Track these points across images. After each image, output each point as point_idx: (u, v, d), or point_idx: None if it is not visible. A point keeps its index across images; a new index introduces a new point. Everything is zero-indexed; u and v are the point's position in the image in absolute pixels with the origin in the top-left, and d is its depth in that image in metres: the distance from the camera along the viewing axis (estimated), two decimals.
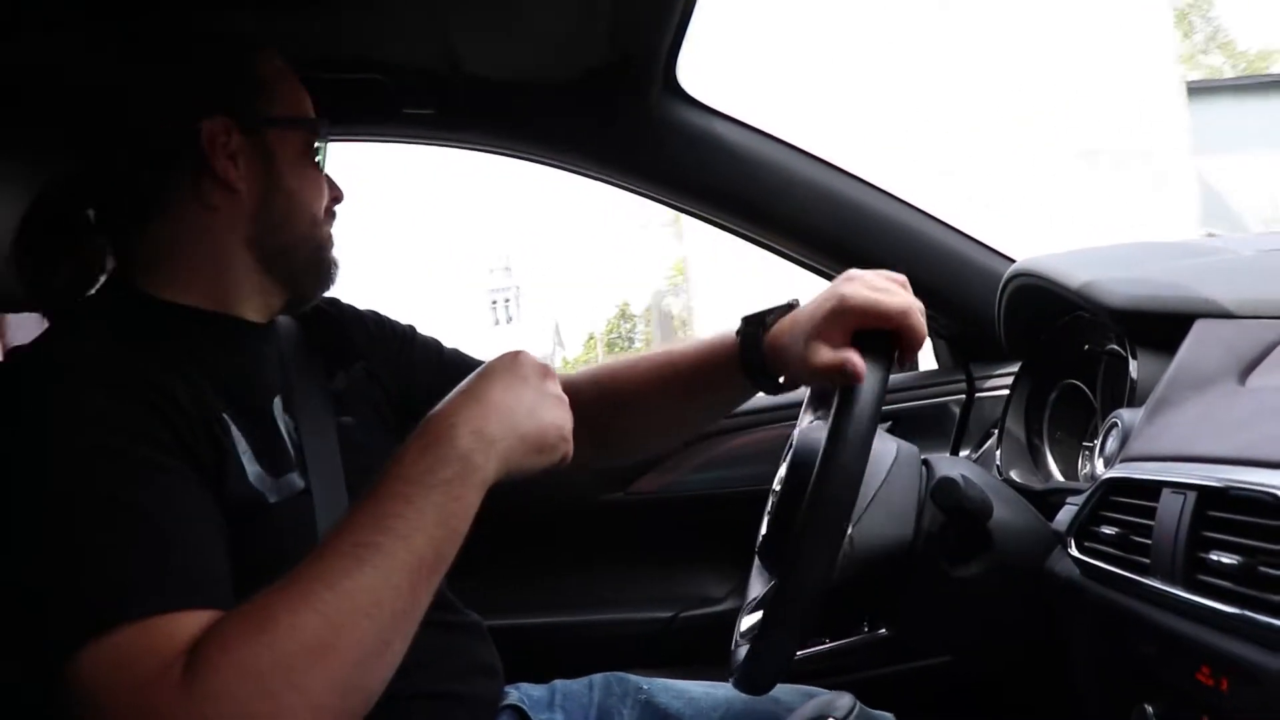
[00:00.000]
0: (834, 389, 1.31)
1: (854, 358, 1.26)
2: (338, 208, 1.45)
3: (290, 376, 1.39)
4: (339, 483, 1.33)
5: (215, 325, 1.32)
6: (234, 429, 1.21)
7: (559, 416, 1.21)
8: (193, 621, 0.99)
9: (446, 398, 1.16)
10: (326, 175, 1.42)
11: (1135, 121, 16.67)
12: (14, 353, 1.20)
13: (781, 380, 1.49)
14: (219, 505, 1.14)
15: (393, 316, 1.66)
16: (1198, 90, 20.12)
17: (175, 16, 1.45)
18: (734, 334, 1.52)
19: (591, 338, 65.27)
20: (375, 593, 1.01)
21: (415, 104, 1.93)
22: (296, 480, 1.27)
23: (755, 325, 1.49)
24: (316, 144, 1.39)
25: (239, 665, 0.95)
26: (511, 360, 1.21)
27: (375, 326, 1.61)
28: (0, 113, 1.64)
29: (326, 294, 1.50)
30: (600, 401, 1.61)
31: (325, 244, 1.41)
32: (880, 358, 1.30)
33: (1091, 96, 16.09)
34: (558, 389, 1.23)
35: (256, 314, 1.38)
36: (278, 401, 1.33)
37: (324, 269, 1.42)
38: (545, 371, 1.22)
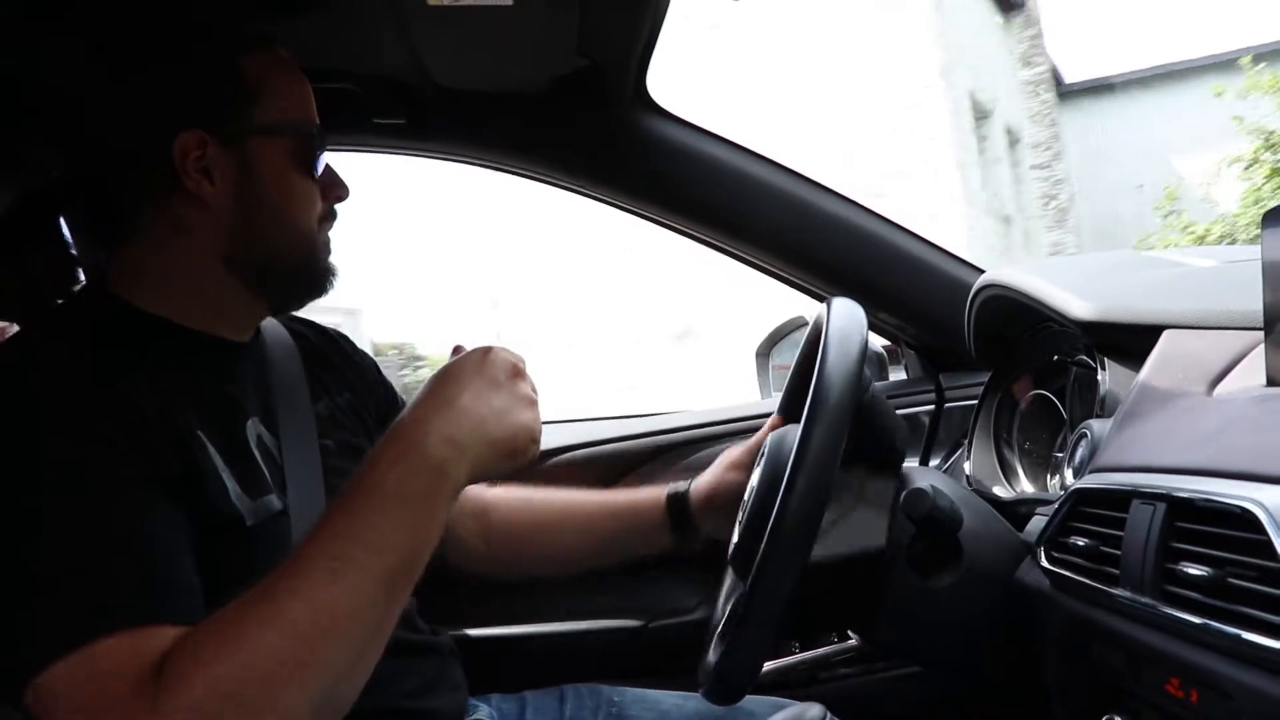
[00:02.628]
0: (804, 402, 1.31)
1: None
2: (340, 206, 1.41)
3: (271, 396, 1.37)
4: (319, 503, 1.31)
5: (192, 341, 1.30)
6: (210, 447, 1.19)
7: (529, 418, 1.20)
8: (163, 636, 0.98)
9: (414, 400, 1.15)
10: (330, 172, 1.37)
11: None
12: None
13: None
14: (192, 520, 1.12)
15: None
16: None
17: (144, 25, 1.44)
18: (663, 496, 1.65)
19: None
20: (349, 607, 1.00)
21: (386, 114, 1.93)
22: (274, 501, 1.25)
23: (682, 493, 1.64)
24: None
25: (211, 682, 0.94)
26: (481, 360, 1.19)
27: (362, 356, 1.61)
28: None
29: (332, 329, 1.55)
30: (524, 520, 1.63)
31: (317, 252, 1.37)
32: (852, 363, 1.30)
33: None
34: (529, 388, 1.22)
35: (236, 331, 1.36)
36: (254, 422, 1.30)
37: (315, 277, 1.38)
38: (515, 370, 1.21)
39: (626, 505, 1.68)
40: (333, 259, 1.39)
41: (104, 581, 1.00)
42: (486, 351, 1.20)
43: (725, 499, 1.63)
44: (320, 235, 1.37)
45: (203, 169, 1.26)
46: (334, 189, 1.38)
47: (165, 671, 0.95)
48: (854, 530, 1.47)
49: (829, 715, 1.53)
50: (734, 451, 1.67)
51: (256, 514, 1.22)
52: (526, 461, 1.20)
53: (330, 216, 1.39)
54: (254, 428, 1.30)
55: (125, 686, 0.94)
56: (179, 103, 1.26)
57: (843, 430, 1.29)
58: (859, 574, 1.48)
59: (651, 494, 1.67)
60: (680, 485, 1.67)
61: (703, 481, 1.67)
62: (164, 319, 1.28)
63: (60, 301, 1.34)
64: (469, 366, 1.18)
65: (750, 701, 1.49)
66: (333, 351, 1.54)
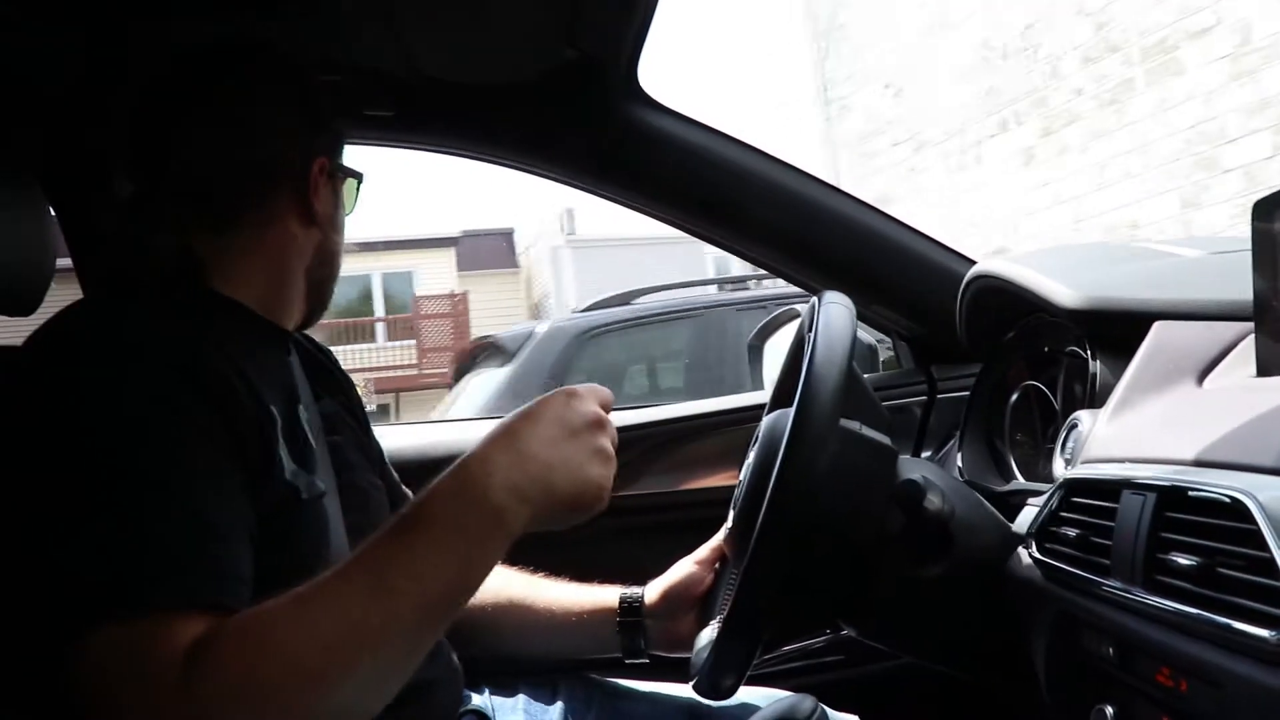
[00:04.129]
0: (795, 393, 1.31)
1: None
2: None
3: (308, 384, 1.43)
4: (335, 493, 1.34)
5: (262, 326, 1.35)
6: (279, 425, 1.20)
7: (600, 475, 1.16)
8: (207, 620, 0.98)
9: (488, 436, 1.12)
10: None
11: None
12: (62, 320, 1.18)
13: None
14: (258, 502, 1.13)
15: None
16: None
17: (131, 19, 1.44)
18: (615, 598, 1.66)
19: None
20: (382, 631, 1.00)
21: (374, 106, 1.92)
22: (319, 483, 1.27)
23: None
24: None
25: (231, 679, 0.94)
26: (562, 406, 1.16)
27: (344, 373, 1.63)
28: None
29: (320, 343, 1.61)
30: (492, 601, 1.64)
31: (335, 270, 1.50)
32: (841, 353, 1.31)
33: None
34: (606, 440, 1.18)
35: (289, 327, 1.44)
36: (303, 406, 1.33)
37: (325, 306, 1.50)
38: (597, 421, 1.17)
39: (581, 602, 1.67)
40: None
41: (171, 557, 1.00)
42: (569, 396, 1.18)
43: (681, 598, 1.63)
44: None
45: (316, 190, 1.39)
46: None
47: (194, 660, 0.94)
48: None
49: (821, 707, 1.53)
50: (695, 553, 1.67)
51: (309, 489, 1.23)
52: (589, 517, 1.18)
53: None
54: (304, 411, 1.31)
55: (160, 665, 0.94)
56: (321, 129, 1.42)
57: (835, 417, 1.29)
58: (849, 566, 1.49)
59: (604, 596, 1.67)
60: (634, 590, 1.66)
61: (658, 583, 1.66)
62: (245, 306, 1.34)
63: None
64: (548, 411, 1.15)
65: (743, 694, 1.48)
66: (325, 359, 1.57)
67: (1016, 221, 9.88)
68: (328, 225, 1.42)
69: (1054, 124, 9.31)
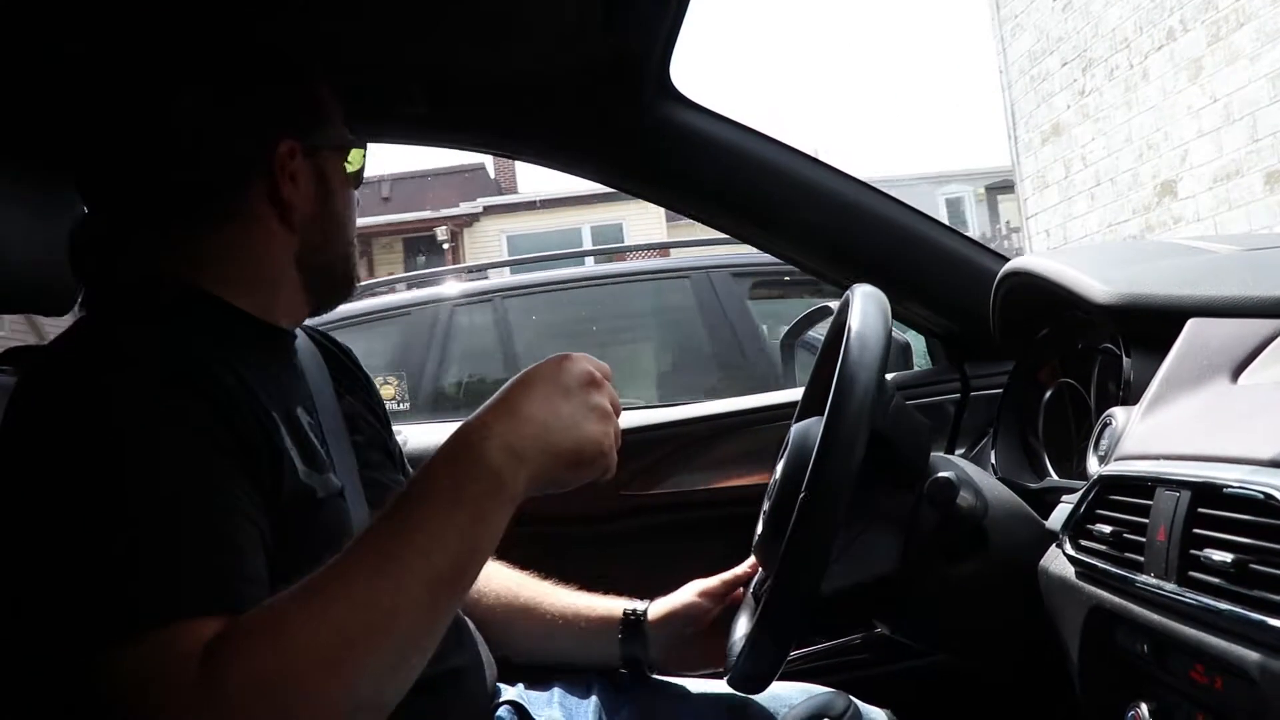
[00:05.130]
0: (829, 392, 1.31)
1: None
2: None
3: (309, 386, 1.41)
4: (358, 490, 1.35)
5: (253, 326, 1.34)
6: (282, 428, 1.21)
7: (598, 431, 1.16)
8: (222, 620, 0.99)
9: (482, 406, 1.13)
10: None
11: None
12: (67, 337, 1.20)
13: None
14: (274, 503, 1.14)
15: None
16: None
17: (167, 19, 1.45)
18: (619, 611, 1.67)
19: None
20: (391, 605, 1.00)
21: (407, 104, 1.93)
22: (334, 480, 1.28)
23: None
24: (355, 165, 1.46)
25: (249, 674, 0.94)
26: (554, 368, 1.17)
27: (364, 371, 1.63)
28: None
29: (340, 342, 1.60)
30: (497, 604, 1.67)
31: (355, 259, 1.47)
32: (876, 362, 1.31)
33: None
34: (603, 399, 1.19)
35: (287, 323, 1.42)
36: (302, 409, 1.33)
37: (351, 283, 1.48)
38: (590, 380, 1.18)
39: (588, 611, 1.68)
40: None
41: (184, 568, 1.01)
42: (562, 359, 1.18)
43: (683, 622, 1.65)
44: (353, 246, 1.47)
45: (290, 175, 1.34)
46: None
47: (209, 661, 0.95)
48: (863, 557, 1.48)
49: (855, 703, 1.53)
50: (707, 581, 1.68)
51: (324, 488, 1.24)
52: (597, 475, 1.18)
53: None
54: (303, 414, 1.32)
55: (181, 670, 0.94)
56: (281, 112, 1.35)
57: (867, 420, 1.29)
58: (882, 565, 1.49)
59: (610, 606, 1.68)
60: (639, 604, 1.67)
61: (664, 602, 1.67)
62: (228, 303, 1.32)
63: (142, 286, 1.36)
64: (541, 374, 1.16)
65: (776, 688, 1.49)
66: (345, 358, 1.58)
67: (1188, 147, 9.49)
68: (311, 208, 1.37)
69: (1222, 29, 8.90)
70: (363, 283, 6.26)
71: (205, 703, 0.93)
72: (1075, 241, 11.51)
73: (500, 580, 1.70)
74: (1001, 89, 13.01)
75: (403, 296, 5.99)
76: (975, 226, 25.09)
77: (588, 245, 18.49)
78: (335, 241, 1.42)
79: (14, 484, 1.07)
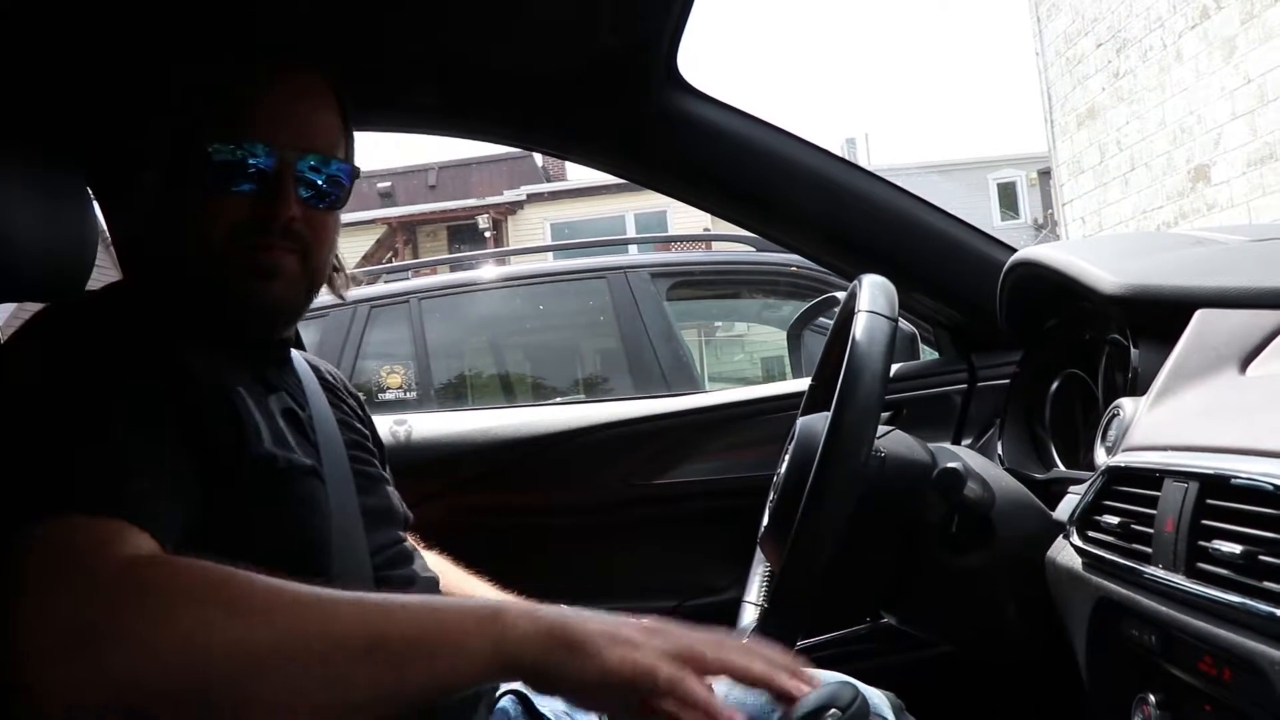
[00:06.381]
0: (835, 382, 1.31)
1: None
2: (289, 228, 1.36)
3: (297, 379, 1.45)
4: (348, 484, 1.39)
5: (230, 309, 1.36)
6: (249, 401, 1.25)
7: (646, 657, 1.02)
8: (140, 538, 1.01)
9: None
10: (273, 187, 1.34)
11: None
12: (46, 313, 1.26)
13: None
14: (233, 465, 1.18)
15: None
16: None
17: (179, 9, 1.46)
18: None
19: None
20: (339, 676, 0.95)
21: (418, 94, 1.93)
22: (303, 459, 1.30)
23: None
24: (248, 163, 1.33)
25: (184, 597, 0.95)
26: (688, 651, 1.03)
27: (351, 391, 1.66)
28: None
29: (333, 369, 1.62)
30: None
31: (226, 274, 1.34)
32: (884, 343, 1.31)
33: None
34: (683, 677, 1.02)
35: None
36: (279, 396, 1.36)
37: (226, 300, 1.35)
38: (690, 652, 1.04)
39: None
40: (265, 280, 1.36)
41: (105, 471, 1.05)
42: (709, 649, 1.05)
43: None
44: (232, 253, 1.34)
45: (167, 162, 1.35)
46: (273, 206, 1.34)
47: (155, 563, 0.99)
48: (869, 548, 1.48)
49: (861, 694, 1.53)
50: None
51: (287, 461, 1.27)
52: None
53: (255, 231, 1.34)
54: (278, 400, 1.35)
55: (104, 560, 0.96)
56: (173, 102, 1.36)
57: (874, 412, 1.29)
58: (888, 555, 1.49)
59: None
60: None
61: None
62: (206, 281, 1.34)
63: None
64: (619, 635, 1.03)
65: None
66: (336, 381, 1.61)
67: (1222, 130, 9.38)
68: (154, 203, 1.36)
69: (1256, 5, 8.74)
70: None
71: (133, 587, 0.95)
72: (1110, 229, 11.45)
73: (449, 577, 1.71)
74: (1038, 72, 12.97)
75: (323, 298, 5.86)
76: (1028, 211, 25.07)
77: (631, 233, 18.38)
78: (173, 243, 1.34)
79: None
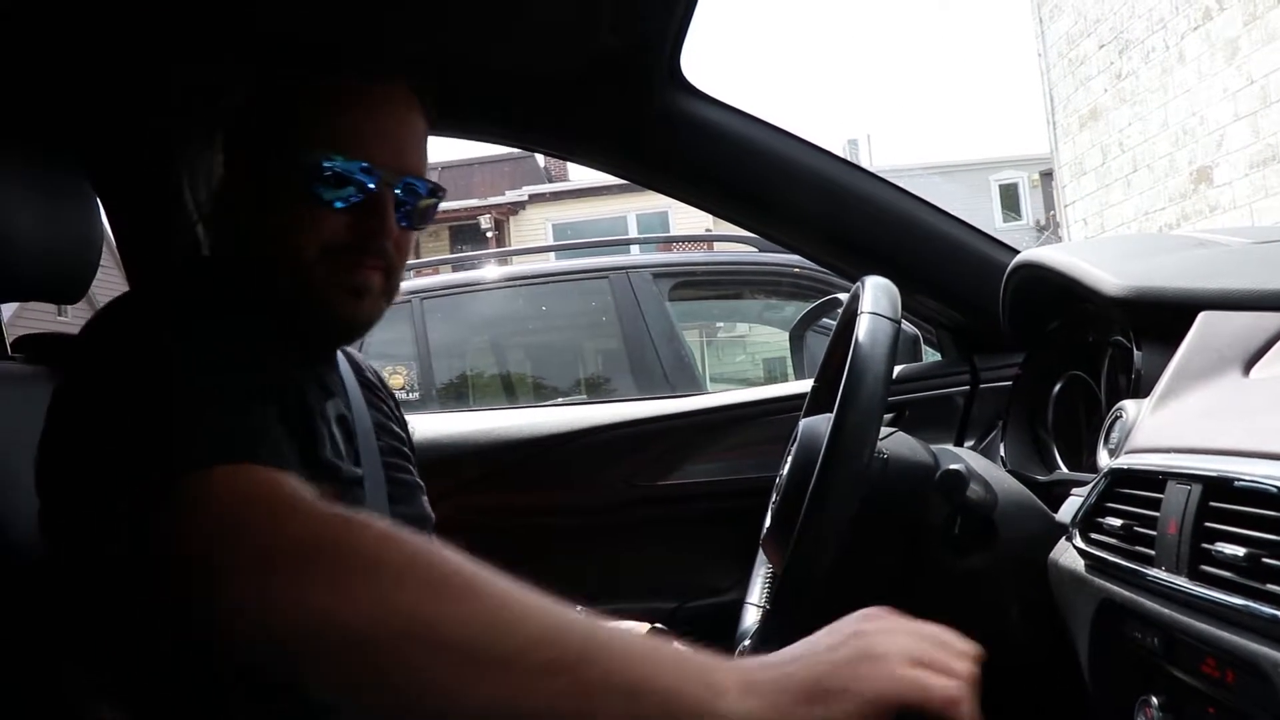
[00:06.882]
0: (838, 383, 1.31)
1: None
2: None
3: (344, 386, 1.45)
4: (382, 486, 1.40)
5: (298, 314, 1.35)
6: (314, 406, 1.26)
7: (858, 659, 0.97)
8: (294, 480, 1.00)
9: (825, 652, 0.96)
10: (373, 206, 1.32)
11: None
12: (121, 302, 1.24)
13: None
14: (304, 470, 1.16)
15: None
16: None
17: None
18: None
19: None
20: (469, 667, 0.87)
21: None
22: (354, 469, 1.32)
23: None
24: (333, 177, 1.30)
25: (391, 558, 0.91)
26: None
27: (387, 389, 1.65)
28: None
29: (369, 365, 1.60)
30: None
31: (314, 287, 1.33)
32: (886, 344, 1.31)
33: None
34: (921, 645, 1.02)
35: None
36: (334, 402, 1.36)
37: (322, 316, 1.35)
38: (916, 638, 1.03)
39: None
40: (357, 298, 1.35)
41: (250, 433, 1.04)
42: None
43: None
44: (321, 268, 1.32)
45: (235, 178, 1.33)
46: (371, 224, 1.33)
47: (348, 522, 0.94)
48: (872, 549, 1.48)
49: None
50: None
51: (346, 473, 1.29)
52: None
53: (353, 251, 1.33)
54: (334, 406, 1.35)
55: (274, 501, 0.96)
56: (229, 113, 1.34)
57: (878, 414, 1.29)
58: (891, 557, 1.49)
59: None
60: None
61: None
62: (290, 293, 1.33)
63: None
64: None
65: None
66: (371, 377, 1.60)
67: (1224, 131, 9.35)
68: (247, 219, 1.34)
69: (1259, 6, 8.70)
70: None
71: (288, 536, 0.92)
72: (1112, 231, 11.44)
73: None
74: (1040, 73, 12.97)
75: None
76: (1030, 213, 25.05)
77: (633, 234, 18.36)
78: (274, 262, 1.32)
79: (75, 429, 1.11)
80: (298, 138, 1.30)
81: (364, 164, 1.30)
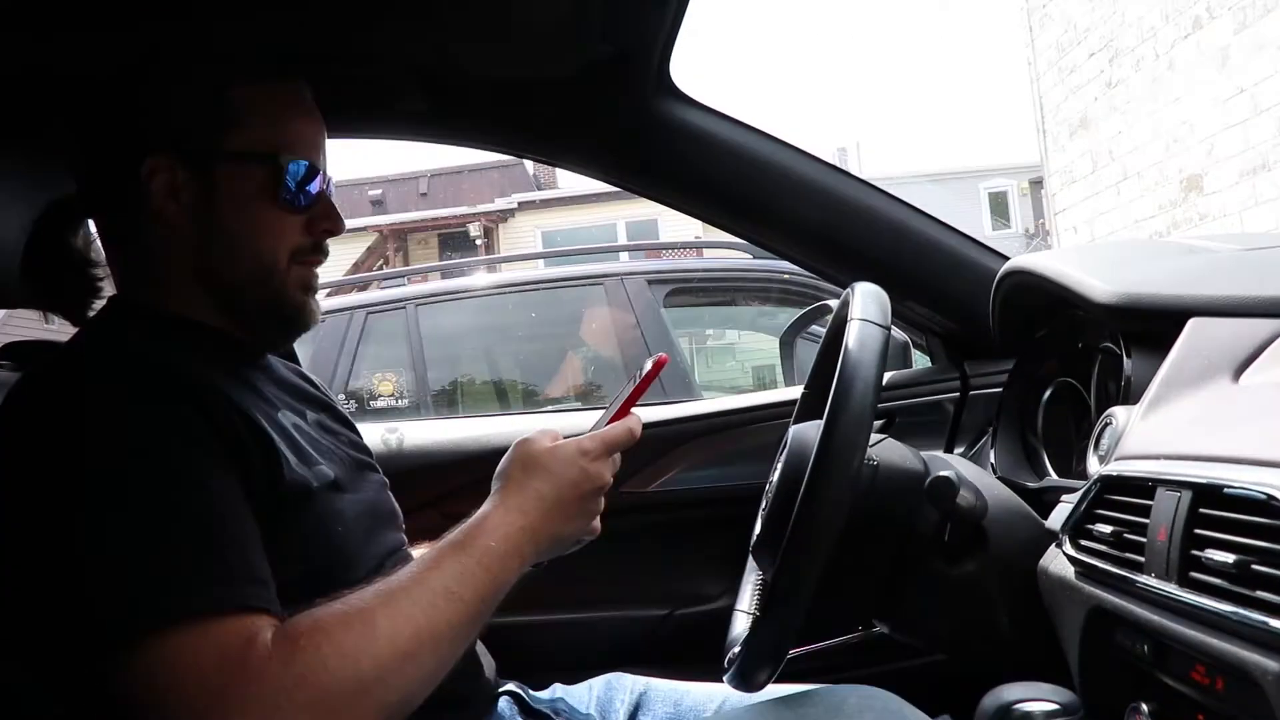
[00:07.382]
0: (828, 390, 1.31)
1: None
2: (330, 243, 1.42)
3: (293, 394, 1.46)
4: (350, 479, 1.40)
5: (219, 339, 1.36)
6: (269, 428, 1.24)
7: (591, 530, 1.39)
8: (254, 622, 1.04)
9: (519, 485, 1.31)
10: (321, 206, 1.37)
11: None
12: (51, 353, 1.26)
13: None
14: (272, 496, 1.19)
15: None
16: None
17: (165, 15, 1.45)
18: None
19: None
20: (446, 633, 1.14)
21: (408, 101, 1.92)
22: (326, 470, 1.31)
23: None
24: (301, 179, 1.34)
25: (341, 652, 1.04)
26: (582, 476, 1.32)
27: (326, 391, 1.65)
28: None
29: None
30: None
31: (283, 289, 1.36)
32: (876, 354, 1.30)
33: None
34: (601, 501, 1.37)
35: (250, 343, 1.42)
36: (284, 413, 1.36)
37: (281, 315, 1.39)
38: (605, 488, 1.36)
39: None
40: (311, 296, 1.41)
41: (194, 564, 1.05)
42: (590, 460, 1.34)
43: None
44: (292, 271, 1.36)
45: (171, 191, 1.30)
46: (321, 223, 1.38)
47: (289, 642, 1.03)
48: (862, 557, 1.48)
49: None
50: None
51: (318, 479, 1.28)
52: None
53: (312, 251, 1.39)
54: (289, 415, 1.36)
55: (232, 659, 1.00)
56: (153, 125, 1.31)
57: (867, 421, 1.29)
58: (881, 564, 1.48)
59: None
60: None
61: None
62: (187, 318, 1.34)
63: (114, 301, 1.39)
64: (567, 477, 1.31)
65: (773, 688, 1.49)
66: (306, 381, 1.59)
67: (1214, 140, 9.32)
68: (198, 226, 1.31)
69: (1249, 15, 8.70)
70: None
71: (288, 677, 1.00)
72: (1102, 239, 11.45)
73: None
74: (1030, 81, 12.98)
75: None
76: (1019, 220, 25.08)
77: (623, 241, 18.55)
78: (235, 264, 1.33)
79: (21, 491, 1.10)
80: (261, 143, 1.33)
81: (312, 165, 1.35)
